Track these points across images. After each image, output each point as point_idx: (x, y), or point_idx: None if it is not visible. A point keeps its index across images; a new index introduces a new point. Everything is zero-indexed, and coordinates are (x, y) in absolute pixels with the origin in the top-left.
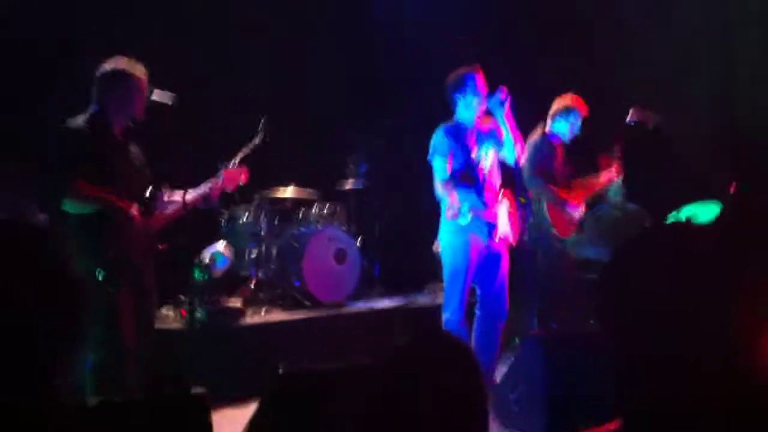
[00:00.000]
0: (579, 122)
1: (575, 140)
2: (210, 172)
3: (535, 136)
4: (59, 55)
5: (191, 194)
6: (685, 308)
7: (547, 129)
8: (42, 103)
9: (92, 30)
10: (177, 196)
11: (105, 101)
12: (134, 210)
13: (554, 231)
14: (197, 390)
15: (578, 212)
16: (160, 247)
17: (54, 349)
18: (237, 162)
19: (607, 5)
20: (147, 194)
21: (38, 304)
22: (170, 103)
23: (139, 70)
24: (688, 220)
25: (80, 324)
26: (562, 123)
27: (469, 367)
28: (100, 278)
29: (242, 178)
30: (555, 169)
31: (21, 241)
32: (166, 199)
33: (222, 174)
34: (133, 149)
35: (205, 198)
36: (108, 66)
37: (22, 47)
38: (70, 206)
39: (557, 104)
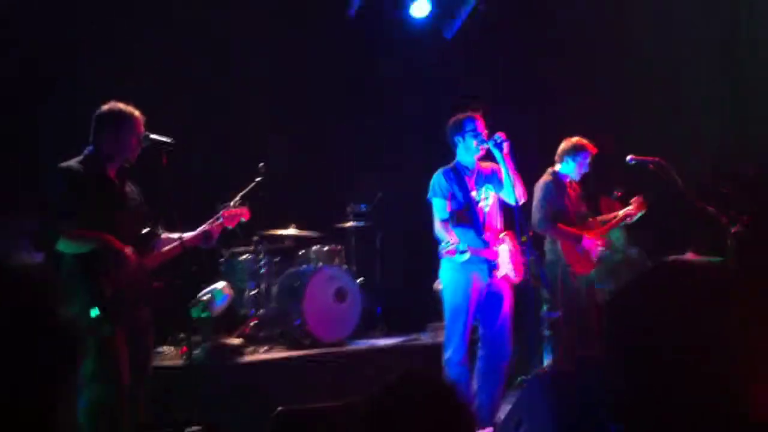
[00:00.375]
0: (587, 161)
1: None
2: (209, 213)
3: (545, 177)
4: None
5: (190, 234)
6: (683, 343)
7: (555, 169)
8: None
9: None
10: (175, 235)
11: (100, 142)
12: (128, 250)
13: (571, 269)
14: (193, 429)
15: (596, 248)
16: (155, 285)
17: (38, 390)
18: (237, 202)
19: (609, 44)
20: (143, 233)
21: (24, 347)
22: (168, 141)
23: (135, 112)
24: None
25: (66, 364)
26: (570, 163)
27: (454, 409)
28: (94, 317)
29: (243, 215)
30: (567, 207)
31: (5, 282)
32: (164, 237)
33: (221, 214)
34: (129, 189)
35: (204, 237)
36: (104, 107)
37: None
38: (64, 246)
39: (564, 144)
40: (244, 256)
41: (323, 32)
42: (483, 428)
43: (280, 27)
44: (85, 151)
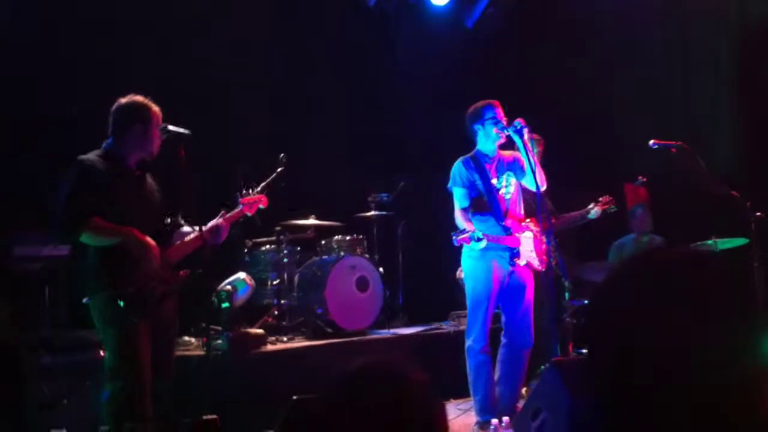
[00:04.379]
0: None
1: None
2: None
3: None
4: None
5: (209, 225)
6: (672, 334)
7: None
8: None
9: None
10: (196, 227)
11: (120, 135)
12: (151, 242)
13: None
14: (210, 418)
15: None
16: (180, 274)
17: None
18: (257, 191)
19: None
20: (164, 225)
21: None
22: (186, 133)
23: (154, 106)
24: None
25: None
26: None
27: (417, 403)
28: (120, 310)
29: (262, 202)
30: None
31: None
32: (185, 229)
33: (240, 201)
34: (149, 181)
35: (215, 231)
36: (123, 101)
37: None
38: (88, 239)
39: None
40: (266, 247)
41: (342, 20)
42: (503, 417)
43: (298, 15)
44: (104, 145)
